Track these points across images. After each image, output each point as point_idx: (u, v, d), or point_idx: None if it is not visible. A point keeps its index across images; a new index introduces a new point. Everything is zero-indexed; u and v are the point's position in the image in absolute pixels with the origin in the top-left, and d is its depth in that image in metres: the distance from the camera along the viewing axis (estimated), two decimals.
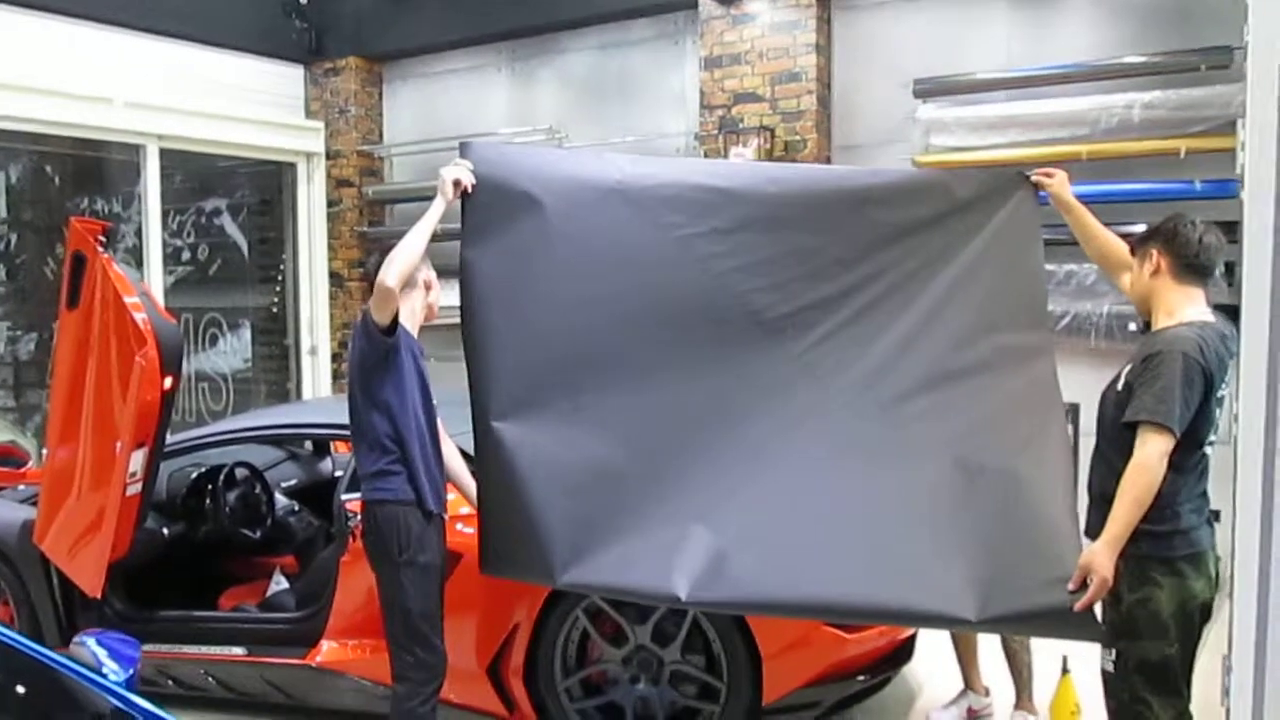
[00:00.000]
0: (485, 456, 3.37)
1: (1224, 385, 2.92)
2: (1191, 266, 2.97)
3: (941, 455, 3.15)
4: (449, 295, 3.58)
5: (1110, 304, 5.89)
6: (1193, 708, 3.01)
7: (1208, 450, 2.97)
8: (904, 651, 4.13)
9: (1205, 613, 2.95)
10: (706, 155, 7.12)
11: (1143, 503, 2.74)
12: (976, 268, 3.37)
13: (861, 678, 3.95)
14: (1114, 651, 2.99)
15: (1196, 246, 2.95)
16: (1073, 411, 6.17)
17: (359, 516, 3.62)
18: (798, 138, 6.84)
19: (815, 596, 3.06)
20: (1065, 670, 4.23)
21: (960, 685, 4.32)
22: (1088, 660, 4.22)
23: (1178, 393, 2.77)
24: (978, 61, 6.40)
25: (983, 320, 3.33)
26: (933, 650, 4.36)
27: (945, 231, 3.39)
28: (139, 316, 3.93)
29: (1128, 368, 2.99)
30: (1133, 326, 5.81)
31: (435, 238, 3.38)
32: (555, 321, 3.37)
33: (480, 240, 3.38)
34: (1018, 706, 4.19)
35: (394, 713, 3.53)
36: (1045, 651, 4.76)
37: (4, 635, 2.15)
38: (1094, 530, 2.96)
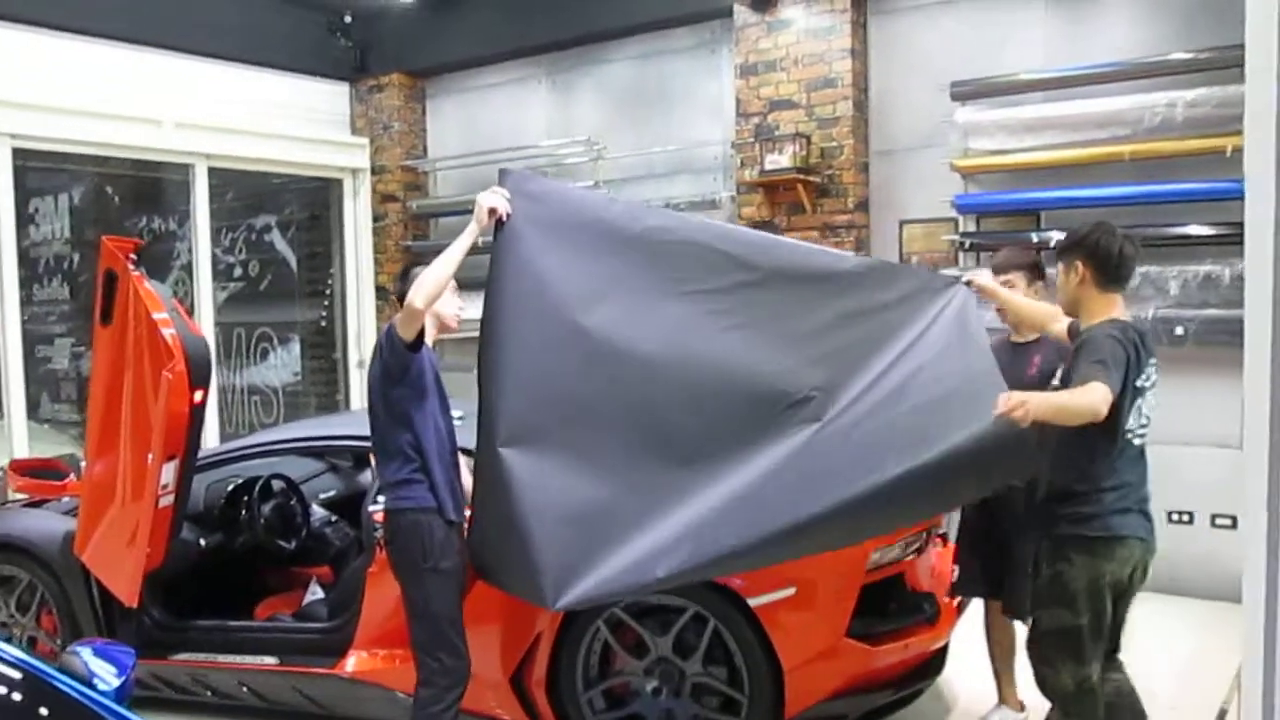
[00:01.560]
0: (487, 478, 3.42)
1: (1143, 380, 3.15)
2: (1112, 276, 3.22)
3: (889, 460, 3.31)
4: (475, 308, 3.64)
5: (1156, 308, 5.72)
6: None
7: (1134, 440, 3.19)
8: (934, 664, 4.06)
9: (1118, 591, 3.22)
10: (743, 163, 7.10)
11: (1064, 411, 2.96)
12: (926, 335, 3.65)
13: (889, 691, 3.89)
14: (1031, 618, 3.36)
15: (1117, 258, 3.20)
16: None
17: (388, 525, 3.65)
18: (834, 143, 6.78)
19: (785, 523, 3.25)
20: None
21: (994, 699, 4.23)
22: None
23: (1110, 363, 3.00)
24: (1015, 62, 6.28)
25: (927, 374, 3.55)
26: (965, 664, 4.27)
27: (899, 310, 3.69)
28: (167, 332, 4.01)
29: (1062, 368, 3.28)
30: (1180, 330, 5.66)
31: (478, 250, 3.50)
32: (566, 359, 3.47)
33: (507, 271, 3.49)
34: (1002, 699, 4.23)
35: (416, 717, 3.55)
36: None
37: None
38: (1038, 525, 3.30)
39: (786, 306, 3.62)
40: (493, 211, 3.50)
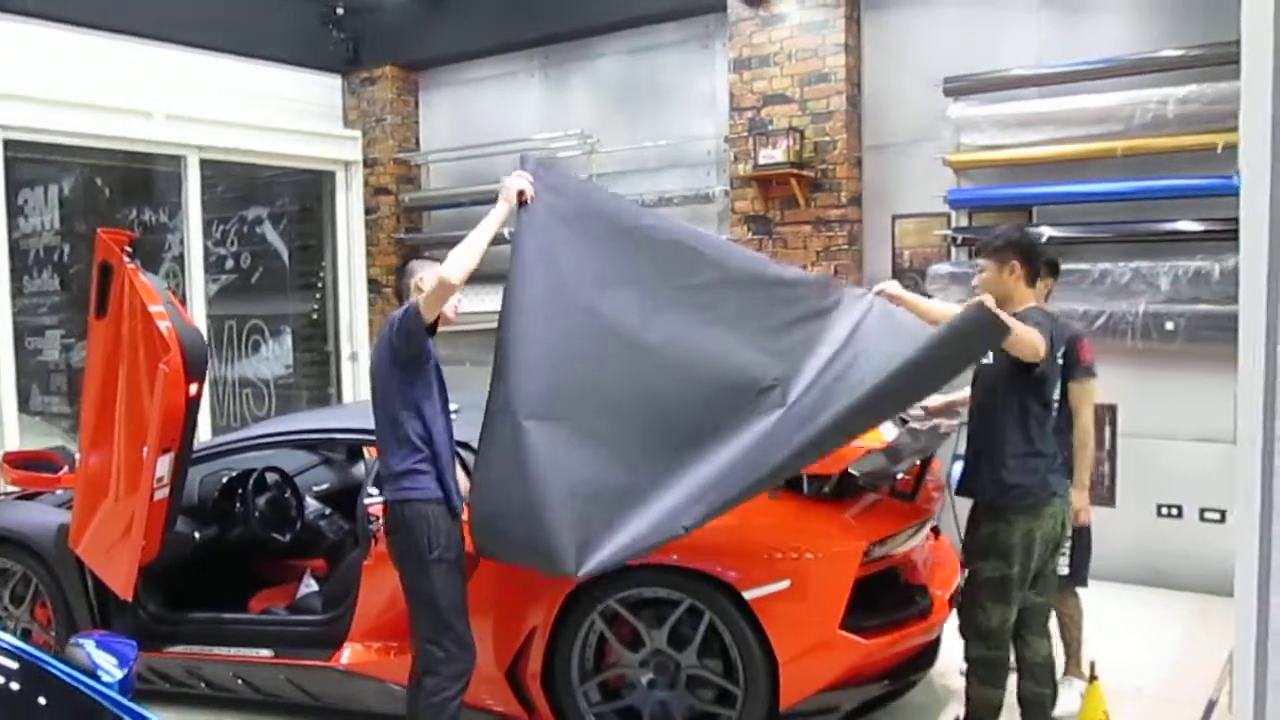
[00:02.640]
0: (508, 451, 3.49)
1: (1058, 359, 3.72)
2: (1037, 273, 3.80)
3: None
4: (477, 301, 3.67)
5: (1147, 303, 5.76)
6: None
7: (1053, 411, 3.72)
8: (925, 657, 4.09)
9: (1051, 541, 3.73)
10: (736, 158, 7.11)
11: (1025, 344, 3.39)
12: (861, 327, 4.15)
13: (883, 683, 3.92)
14: (967, 570, 3.78)
15: (1040, 260, 3.85)
16: (1110, 412, 6.10)
17: (380, 519, 3.66)
18: (827, 138, 6.79)
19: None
20: (1093, 677, 4.16)
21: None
22: (1117, 671, 4.18)
23: (1037, 329, 3.47)
24: (1009, 58, 6.31)
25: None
26: (957, 656, 4.30)
27: (837, 313, 4.19)
28: (163, 324, 4.01)
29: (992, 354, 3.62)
30: (1170, 326, 5.70)
31: (490, 242, 3.57)
32: (583, 341, 3.66)
33: (530, 250, 3.65)
34: (1066, 672, 4.42)
35: (420, 706, 3.56)
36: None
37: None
38: (979, 491, 3.72)
39: (750, 305, 4.01)
40: (521, 193, 3.62)
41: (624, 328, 3.72)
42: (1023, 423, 3.61)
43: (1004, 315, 3.29)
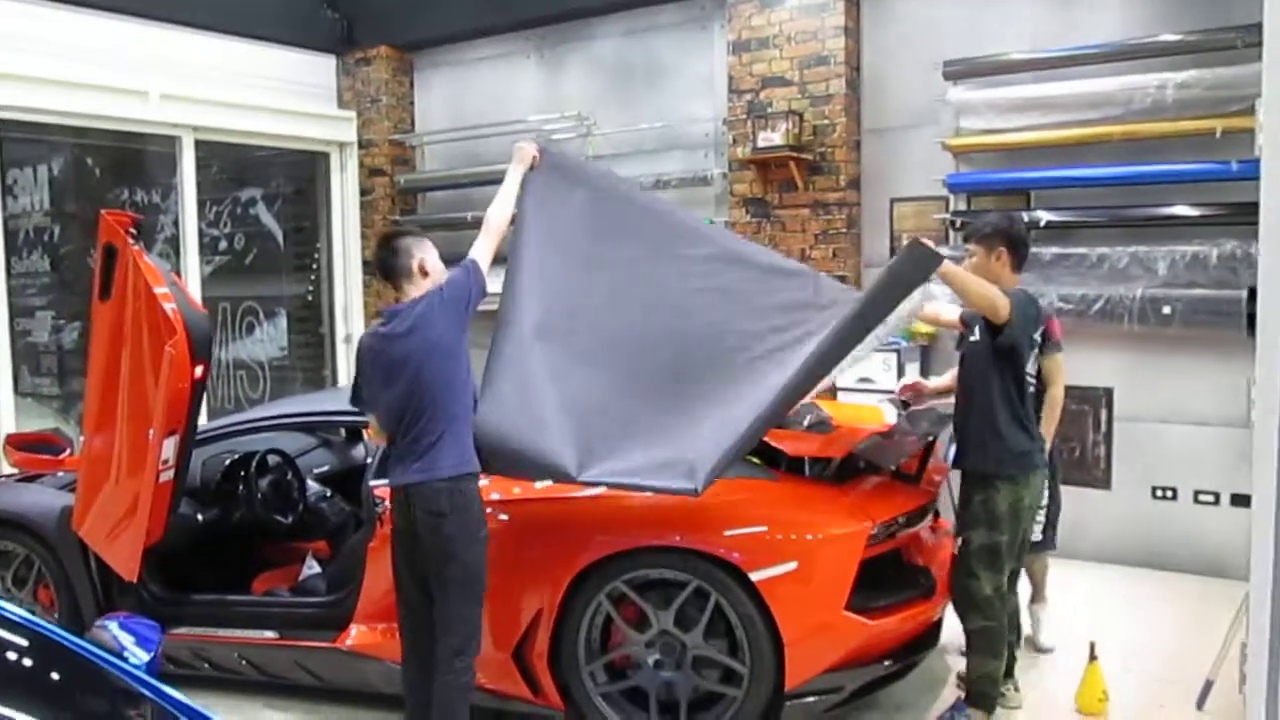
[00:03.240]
0: (514, 363, 3.75)
1: (1037, 336, 4.04)
2: (1022, 258, 4.09)
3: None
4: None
5: (1144, 288, 5.80)
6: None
7: (1031, 387, 4.00)
8: (929, 637, 4.14)
9: (1030, 511, 3.99)
10: (735, 140, 7.11)
11: (974, 292, 3.68)
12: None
13: (887, 663, 3.95)
14: (959, 539, 3.96)
15: (1026, 246, 4.12)
16: (1107, 395, 6.15)
17: (434, 497, 3.51)
18: (826, 121, 6.80)
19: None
20: (1093, 657, 4.22)
21: None
22: (1113, 651, 4.23)
23: (1015, 303, 3.74)
24: (1008, 42, 6.32)
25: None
26: (959, 636, 4.35)
27: (828, 310, 4.23)
28: (169, 306, 4.00)
29: (977, 328, 3.89)
30: (1167, 310, 5.74)
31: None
32: (579, 278, 4.04)
33: (538, 197, 4.05)
34: (1033, 601, 4.91)
35: (456, 686, 3.54)
36: (1073, 641, 4.76)
37: (27, 620, 2.20)
38: (969, 463, 3.94)
39: (742, 284, 4.22)
40: (532, 156, 4.01)
41: (625, 272, 4.11)
42: (1006, 396, 3.85)
43: (952, 265, 3.61)
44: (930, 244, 3.41)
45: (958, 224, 6.45)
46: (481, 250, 3.76)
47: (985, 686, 3.97)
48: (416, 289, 3.62)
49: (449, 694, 3.56)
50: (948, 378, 4.52)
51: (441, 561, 3.54)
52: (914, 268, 3.47)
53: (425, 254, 3.65)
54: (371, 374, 3.65)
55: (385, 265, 3.68)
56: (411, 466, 3.53)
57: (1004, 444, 3.85)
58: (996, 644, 3.93)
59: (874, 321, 3.81)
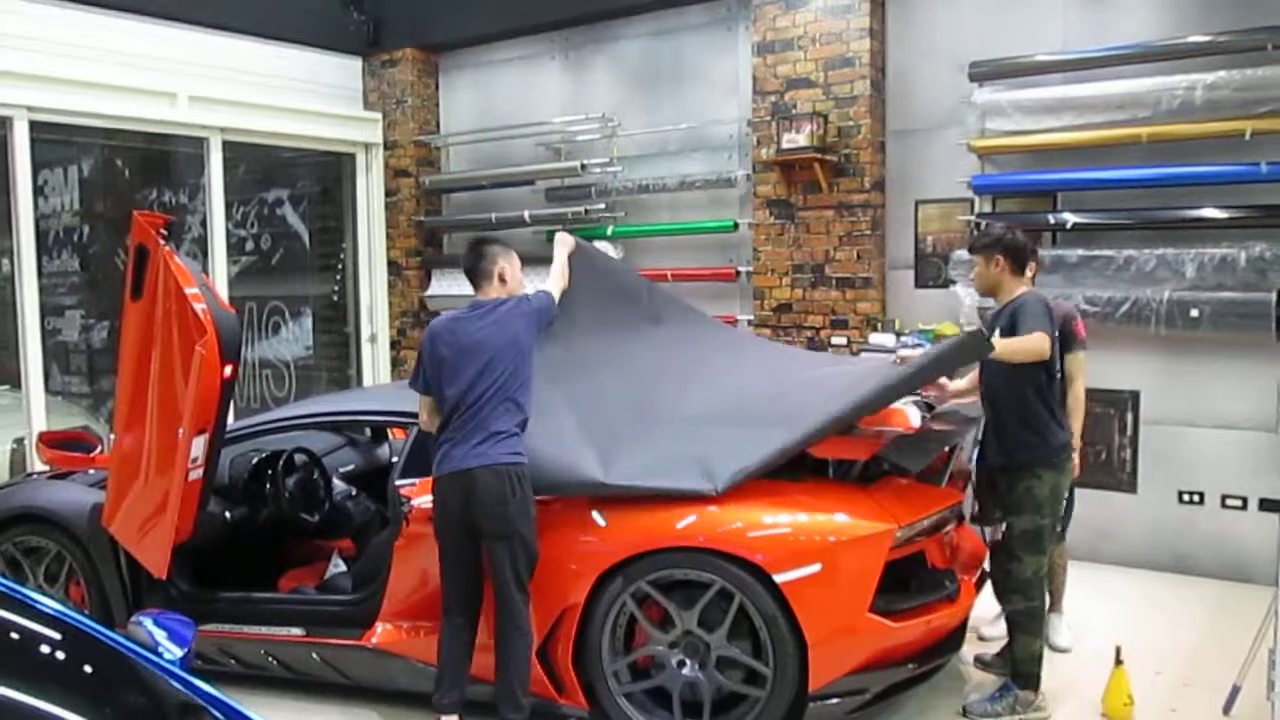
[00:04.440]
0: (538, 406, 4.07)
1: (1054, 332, 4.10)
2: (1022, 265, 4.24)
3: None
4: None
5: (1171, 290, 5.75)
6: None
7: (1059, 377, 4.25)
8: (953, 640, 4.12)
9: (1068, 495, 4.38)
10: (759, 142, 7.12)
11: (1016, 352, 3.93)
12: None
13: (911, 665, 3.95)
14: (1004, 525, 4.21)
15: (1027, 253, 4.27)
16: (1134, 398, 6.11)
17: (501, 481, 3.81)
18: (851, 123, 6.79)
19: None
20: (1119, 661, 4.20)
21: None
22: (1140, 656, 4.22)
23: (1044, 319, 3.99)
24: (1034, 43, 6.29)
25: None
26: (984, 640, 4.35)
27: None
28: (199, 307, 4.04)
29: (998, 330, 4.08)
30: (1194, 313, 5.69)
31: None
32: (593, 335, 4.60)
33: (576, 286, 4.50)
34: (1051, 609, 4.78)
35: (518, 660, 3.85)
36: (1099, 645, 4.74)
37: (67, 615, 2.24)
38: (1008, 455, 4.14)
39: (755, 368, 4.89)
40: (574, 243, 4.53)
41: (636, 337, 4.78)
42: (1039, 391, 4.08)
43: (998, 340, 3.92)
44: (986, 336, 3.87)
45: (982, 226, 6.42)
46: (554, 291, 4.21)
47: (1031, 666, 4.16)
48: (494, 293, 4.03)
49: (525, 650, 3.86)
50: (967, 380, 4.54)
51: (506, 534, 3.83)
52: (969, 356, 4.05)
53: (508, 264, 4.07)
54: (443, 354, 3.92)
55: (470, 265, 4.08)
56: (480, 450, 3.81)
57: (1045, 437, 4.08)
58: (1037, 623, 4.16)
59: (919, 385, 4.30)
